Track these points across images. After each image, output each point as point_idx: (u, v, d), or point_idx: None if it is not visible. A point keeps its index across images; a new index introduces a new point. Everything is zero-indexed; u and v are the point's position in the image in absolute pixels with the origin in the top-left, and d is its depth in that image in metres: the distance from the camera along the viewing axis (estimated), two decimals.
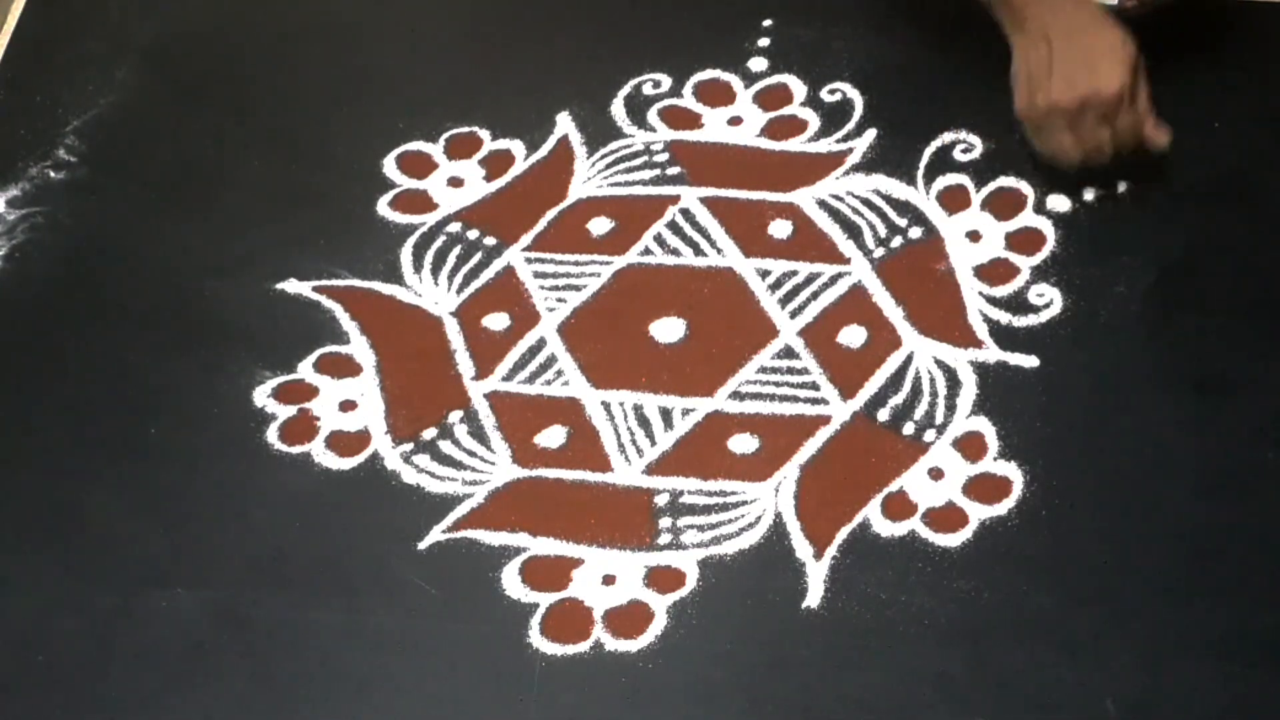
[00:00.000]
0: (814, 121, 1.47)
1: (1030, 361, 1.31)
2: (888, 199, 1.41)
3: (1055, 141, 1.33)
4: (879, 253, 1.38)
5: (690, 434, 1.30)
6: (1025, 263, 1.36)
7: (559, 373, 1.34)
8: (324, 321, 1.39)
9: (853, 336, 1.34)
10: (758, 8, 1.54)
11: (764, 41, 1.52)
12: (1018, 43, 1.34)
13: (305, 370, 1.36)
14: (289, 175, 1.49)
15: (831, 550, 1.23)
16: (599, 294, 1.38)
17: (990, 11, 1.36)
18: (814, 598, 1.21)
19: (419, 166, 1.48)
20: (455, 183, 1.47)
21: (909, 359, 1.32)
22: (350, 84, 1.56)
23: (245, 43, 1.61)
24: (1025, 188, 1.40)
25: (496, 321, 1.38)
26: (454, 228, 1.44)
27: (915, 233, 1.39)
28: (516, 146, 1.49)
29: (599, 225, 1.42)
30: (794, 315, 1.35)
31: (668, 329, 1.36)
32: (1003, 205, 1.40)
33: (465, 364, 1.35)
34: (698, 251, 1.40)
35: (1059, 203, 1.39)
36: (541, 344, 1.36)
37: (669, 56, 1.53)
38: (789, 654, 1.19)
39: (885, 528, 1.23)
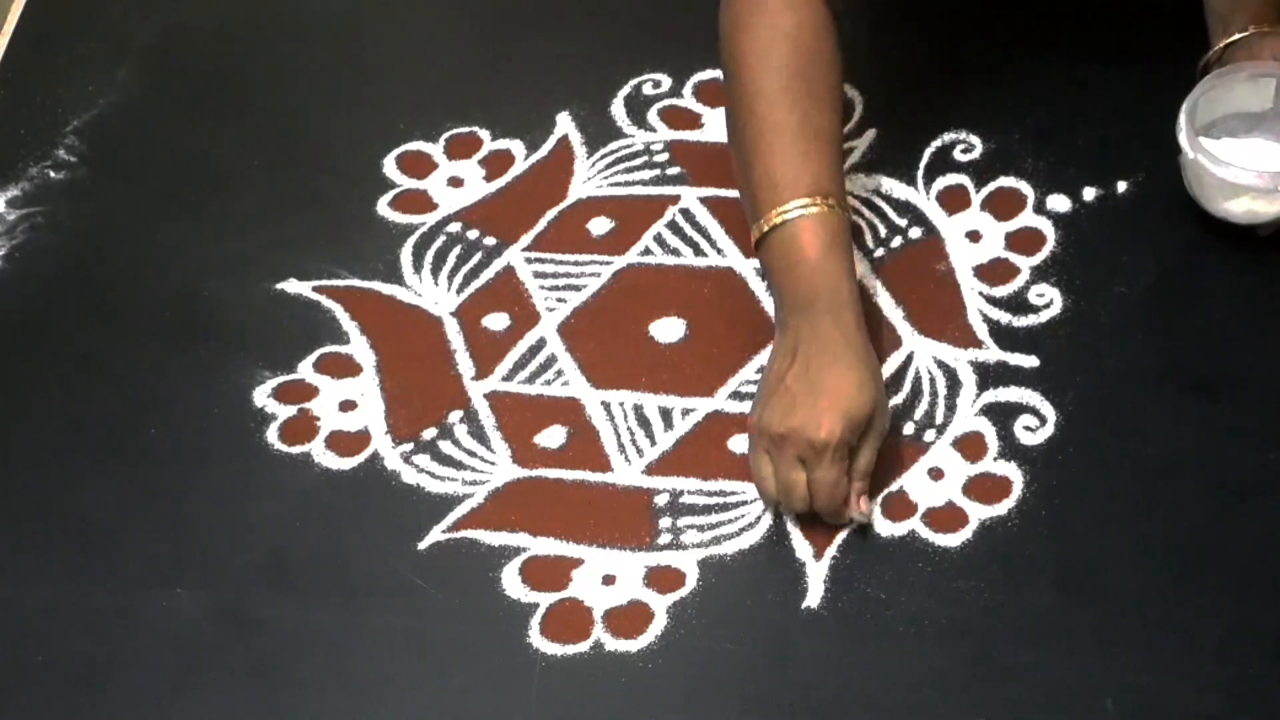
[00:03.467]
0: None
1: (1030, 361, 1.31)
2: (888, 199, 1.41)
3: (756, 462, 1.22)
4: (879, 253, 1.38)
5: (690, 434, 1.30)
6: (1025, 263, 1.36)
7: (559, 373, 1.34)
8: (324, 321, 1.39)
9: None
10: None
11: None
12: (775, 341, 1.25)
13: (305, 370, 1.36)
14: (289, 175, 1.49)
15: (831, 550, 1.23)
16: (599, 294, 1.38)
17: (770, 291, 1.28)
18: (814, 598, 1.21)
19: (419, 166, 1.48)
20: (455, 183, 1.47)
21: (909, 359, 1.32)
22: (350, 84, 1.56)
23: (245, 43, 1.61)
24: (1025, 188, 1.40)
25: (496, 321, 1.38)
26: (454, 228, 1.44)
27: (915, 233, 1.39)
28: (516, 146, 1.49)
29: (599, 225, 1.42)
30: None
31: (668, 329, 1.36)
32: (1003, 205, 1.40)
33: (465, 364, 1.35)
34: (698, 251, 1.40)
35: (1059, 203, 1.39)
36: (541, 344, 1.36)
37: (669, 56, 1.53)
38: (789, 654, 1.19)
39: (885, 528, 1.23)
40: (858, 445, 1.20)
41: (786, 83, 1.26)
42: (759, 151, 1.26)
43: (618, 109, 1.50)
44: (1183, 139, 1.32)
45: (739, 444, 1.29)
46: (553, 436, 1.31)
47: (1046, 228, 1.38)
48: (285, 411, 1.34)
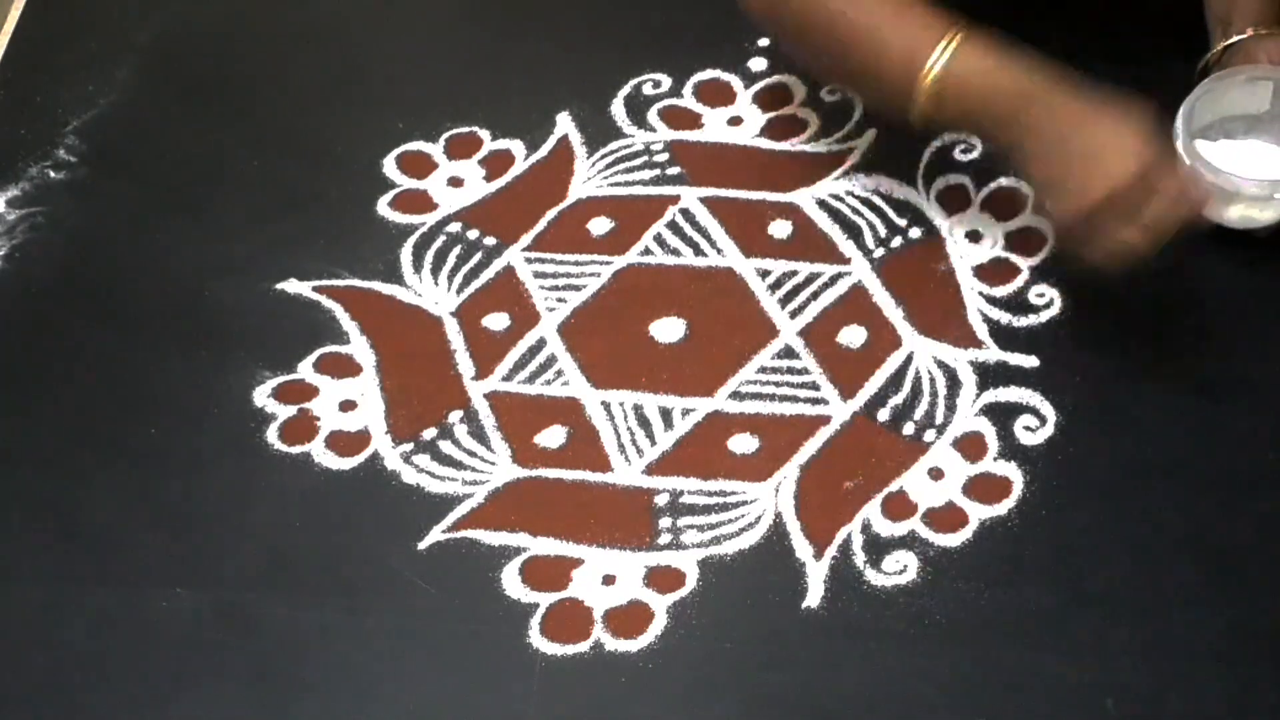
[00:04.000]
0: (814, 121, 1.47)
1: (1030, 361, 1.31)
2: (888, 199, 1.41)
3: (1118, 234, 1.19)
4: (879, 253, 1.38)
5: (690, 434, 1.30)
6: (1025, 263, 1.36)
7: (559, 373, 1.34)
8: (324, 321, 1.39)
9: (853, 336, 1.34)
10: None
11: (764, 41, 1.52)
12: (1017, 152, 1.23)
13: (305, 370, 1.36)
14: (289, 175, 1.49)
15: (831, 550, 1.23)
16: (599, 294, 1.38)
17: (965, 128, 1.25)
18: (814, 598, 1.21)
19: (419, 166, 1.48)
20: (455, 183, 1.47)
21: (909, 359, 1.32)
22: (350, 84, 1.56)
23: (245, 43, 1.61)
24: (1025, 188, 1.40)
25: (496, 321, 1.38)
26: (454, 228, 1.44)
27: (915, 233, 1.39)
28: (516, 146, 1.49)
29: (599, 225, 1.42)
30: (794, 315, 1.35)
31: (668, 329, 1.36)
32: (1003, 205, 1.40)
33: (465, 364, 1.35)
34: (698, 251, 1.40)
35: None
36: (541, 344, 1.36)
37: (669, 56, 1.53)
38: (789, 654, 1.19)
39: (885, 528, 1.23)
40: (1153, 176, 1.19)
41: None
42: (874, 33, 1.24)
43: (618, 109, 1.50)
44: (1179, 145, 1.32)
45: (739, 444, 1.29)
46: (553, 436, 1.31)
47: (1047, 228, 1.38)
48: (285, 411, 1.34)
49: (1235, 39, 1.34)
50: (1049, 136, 1.21)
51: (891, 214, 1.40)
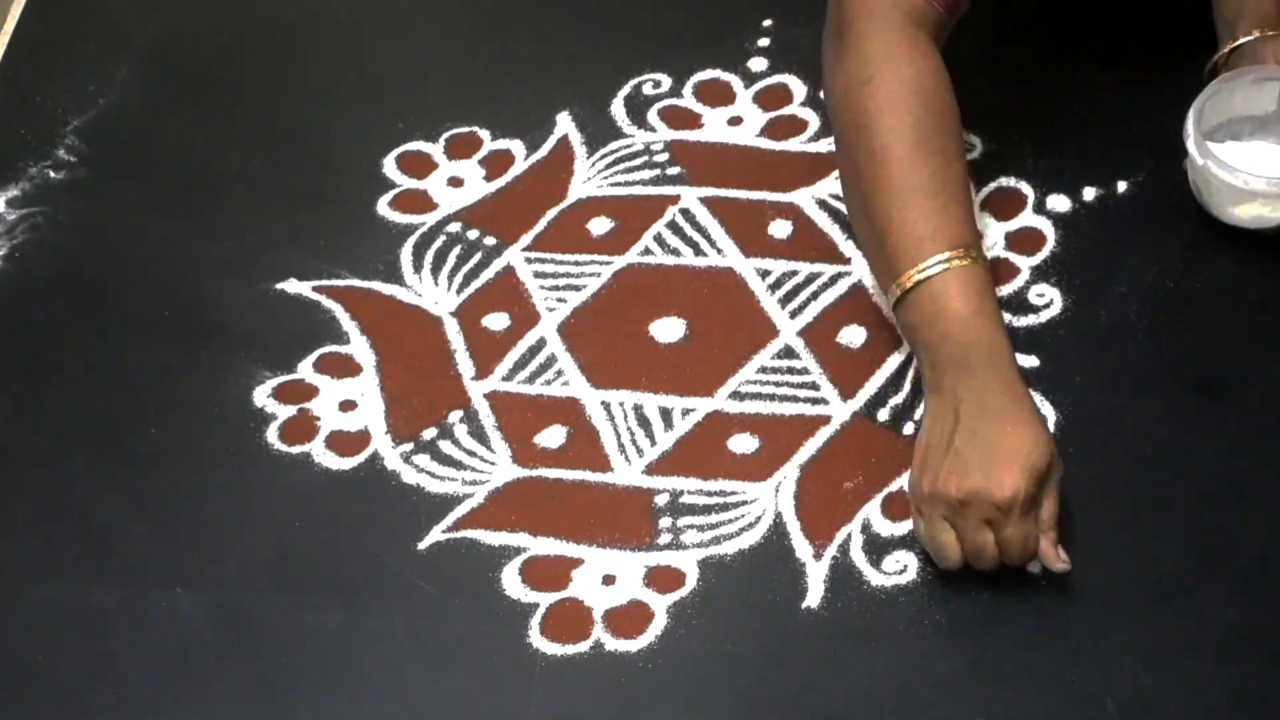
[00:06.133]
0: (814, 121, 1.47)
1: (1030, 361, 1.30)
2: None
3: (935, 531, 1.17)
4: None
5: (690, 434, 1.30)
6: (1025, 263, 1.36)
7: (559, 373, 1.34)
8: (324, 321, 1.39)
9: (853, 336, 1.33)
10: (758, 8, 1.54)
11: (764, 41, 1.52)
12: (929, 404, 1.19)
13: (305, 370, 1.36)
14: (289, 175, 1.49)
15: (831, 550, 1.23)
16: (599, 294, 1.38)
17: (914, 350, 1.23)
18: (814, 598, 1.21)
19: (419, 166, 1.48)
20: (455, 183, 1.47)
21: (909, 359, 1.32)
22: (350, 84, 1.56)
23: (245, 43, 1.61)
24: (1025, 188, 1.40)
25: (496, 321, 1.38)
26: (454, 228, 1.44)
27: None
28: (516, 146, 1.49)
29: (599, 225, 1.42)
30: (794, 315, 1.35)
31: (668, 329, 1.36)
32: (1003, 205, 1.40)
33: (465, 364, 1.35)
34: (698, 251, 1.40)
35: (1059, 203, 1.39)
36: (541, 344, 1.36)
37: (669, 56, 1.53)
38: (789, 654, 1.19)
39: (885, 528, 1.23)
40: (1040, 496, 1.16)
41: (919, 138, 1.22)
42: (894, 211, 1.22)
43: (618, 109, 1.50)
44: (1191, 145, 1.31)
45: (739, 444, 1.29)
46: (553, 436, 1.31)
47: (1046, 228, 1.38)
48: (285, 411, 1.34)
49: (1242, 40, 1.34)
50: (964, 407, 1.17)
51: None
